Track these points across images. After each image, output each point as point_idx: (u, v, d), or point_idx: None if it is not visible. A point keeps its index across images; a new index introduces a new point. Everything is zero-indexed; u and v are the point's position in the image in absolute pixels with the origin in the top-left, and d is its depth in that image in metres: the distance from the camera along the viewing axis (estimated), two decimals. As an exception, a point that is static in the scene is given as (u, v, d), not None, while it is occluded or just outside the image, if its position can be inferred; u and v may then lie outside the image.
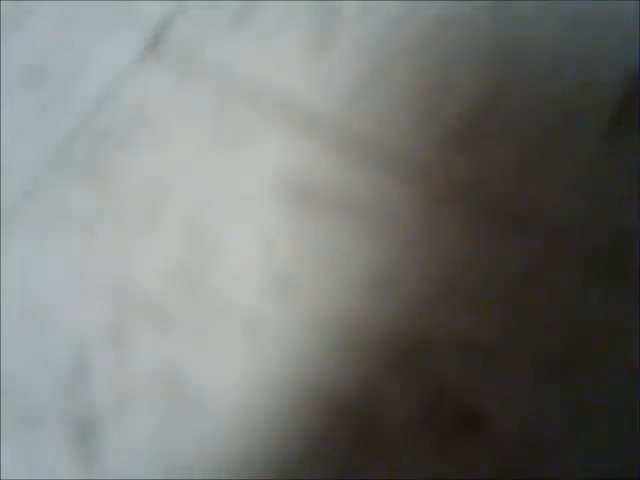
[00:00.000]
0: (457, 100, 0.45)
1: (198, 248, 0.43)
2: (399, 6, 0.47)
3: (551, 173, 0.44)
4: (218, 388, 0.41)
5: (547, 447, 0.39)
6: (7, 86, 0.47)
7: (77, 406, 0.41)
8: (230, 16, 0.47)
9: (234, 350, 0.42)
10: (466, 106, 0.45)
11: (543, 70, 0.46)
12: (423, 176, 0.44)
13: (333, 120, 0.45)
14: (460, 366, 0.41)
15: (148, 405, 0.41)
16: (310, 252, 0.43)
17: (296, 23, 0.47)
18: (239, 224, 0.44)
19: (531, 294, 0.42)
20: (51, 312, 0.43)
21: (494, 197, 0.43)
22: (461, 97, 0.45)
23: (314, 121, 0.45)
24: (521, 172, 0.44)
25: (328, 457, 0.40)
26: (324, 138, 0.45)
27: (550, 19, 0.47)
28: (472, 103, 0.45)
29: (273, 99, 0.46)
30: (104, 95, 0.46)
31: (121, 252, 0.43)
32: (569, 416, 0.40)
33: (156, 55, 0.47)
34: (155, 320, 0.42)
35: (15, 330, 0.42)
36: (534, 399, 0.40)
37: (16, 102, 0.46)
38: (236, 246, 0.43)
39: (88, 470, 0.40)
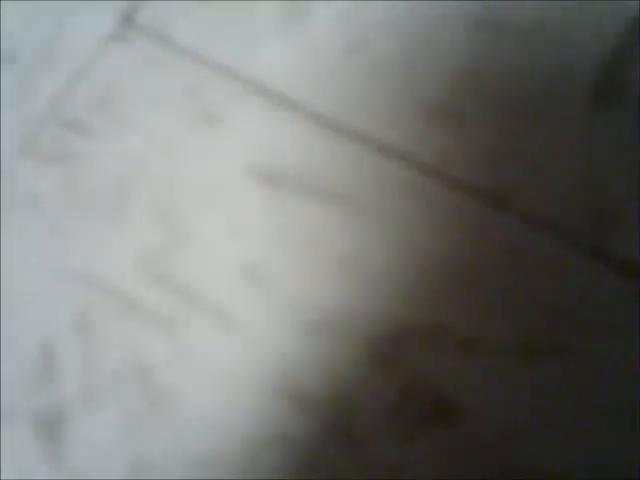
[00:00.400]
0: (436, 77, 0.44)
1: (167, 235, 0.42)
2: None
3: (534, 150, 0.42)
4: (186, 380, 0.40)
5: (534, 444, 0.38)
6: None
7: (44, 401, 0.40)
8: (202, -1, 0.46)
9: (203, 340, 0.41)
10: (447, 82, 0.43)
11: (525, 46, 0.44)
12: (399, 158, 0.43)
13: (304, 102, 0.44)
14: (436, 354, 0.40)
15: (115, 398, 0.40)
16: (281, 237, 0.42)
17: (265, 2, 0.46)
18: (209, 209, 0.42)
19: (511, 279, 0.41)
20: (16, 301, 0.42)
21: (476, 177, 0.42)
22: (441, 73, 0.44)
23: (284, 103, 0.44)
24: (503, 150, 0.42)
25: (299, 450, 0.39)
26: (295, 121, 0.43)
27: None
28: (452, 80, 0.44)
29: (243, 81, 0.45)
30: (73, 80, 0.45)
31: (89, 240, 0.42)
32: (547, 407, 0.38)
33: (125, 39, 0.46)
34: (124, 310, 0.41)
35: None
36: (511, 388, 0.39)
37: (-16, 89, 0.45)
38: (206, 232, 0.42)
39: (55, 466, 0.39)
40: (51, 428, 0.40)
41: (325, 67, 0.44)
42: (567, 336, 0.39)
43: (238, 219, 0.42)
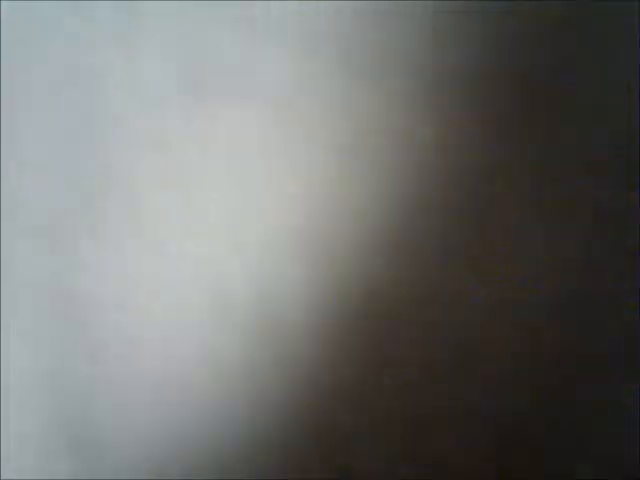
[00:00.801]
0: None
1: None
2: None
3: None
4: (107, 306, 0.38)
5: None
6: None
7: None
8: None
9: (131, 264, 0.39)
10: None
11: None
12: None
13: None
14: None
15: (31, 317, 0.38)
16: (202, 144, 0.39)
17: None
18: (136, 127, 0.39)
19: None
20: None
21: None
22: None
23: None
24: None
25: (225, 360, 0.37)
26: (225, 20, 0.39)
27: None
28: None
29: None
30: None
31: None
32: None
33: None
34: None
35: None
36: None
37: None
38: (128, 140, 0.39)
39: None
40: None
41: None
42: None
43: (166, 135, 0.39)
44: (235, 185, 0.38)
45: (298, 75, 0.39)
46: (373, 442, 0.38)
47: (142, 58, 0.39)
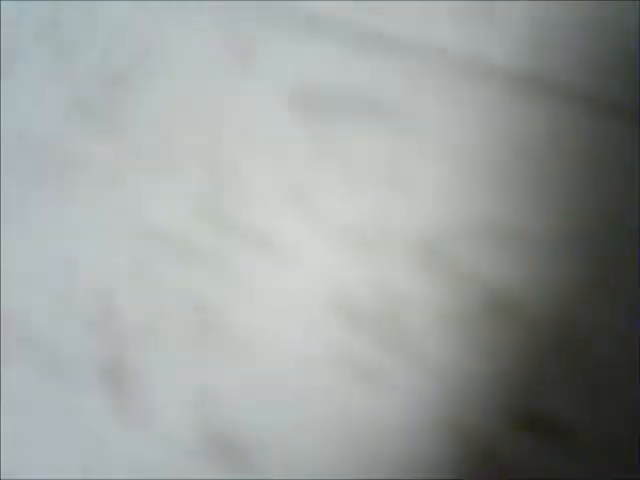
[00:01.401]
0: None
1: (216, 181, 0.41)
2: None
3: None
4: (247, 320, 0.38)
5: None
6: (23, 39, 0.46)
7: (107, 351, 0.39)
8: None
9: (254, 271, 0.39)
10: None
11: None
12: (453, 63, 0.39)
13: (347, 19, 0.41)
14: (485, 252, 0.36)
15: (177, 342, 0.39)
16: (328, 172, 0.39)
17: None
18: (256, 150, 0.41)
19: (554, 167, 0.37)
20: (72, 261, 0.41)
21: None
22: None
23: (325, 23, 0.41)
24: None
25: (348, 363, 0.37)
26: (339, 41, 0.41)
27: None
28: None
29: (277, 6, 0.43)
30: (114, 40, 0.45)
31: (140, 194, 0.42)
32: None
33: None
34: (179, 257, 0.40)
35: (39, 281, 0.41)
36: (560, 282, 0.35)
37: (32, 55, 0.45)
38: (254, 174, 0.40)
39: (123, 414, 0.38)
40: (114, 382, 0.39)
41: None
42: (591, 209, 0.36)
43: (286, 160, 0.40)
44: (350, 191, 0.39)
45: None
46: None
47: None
